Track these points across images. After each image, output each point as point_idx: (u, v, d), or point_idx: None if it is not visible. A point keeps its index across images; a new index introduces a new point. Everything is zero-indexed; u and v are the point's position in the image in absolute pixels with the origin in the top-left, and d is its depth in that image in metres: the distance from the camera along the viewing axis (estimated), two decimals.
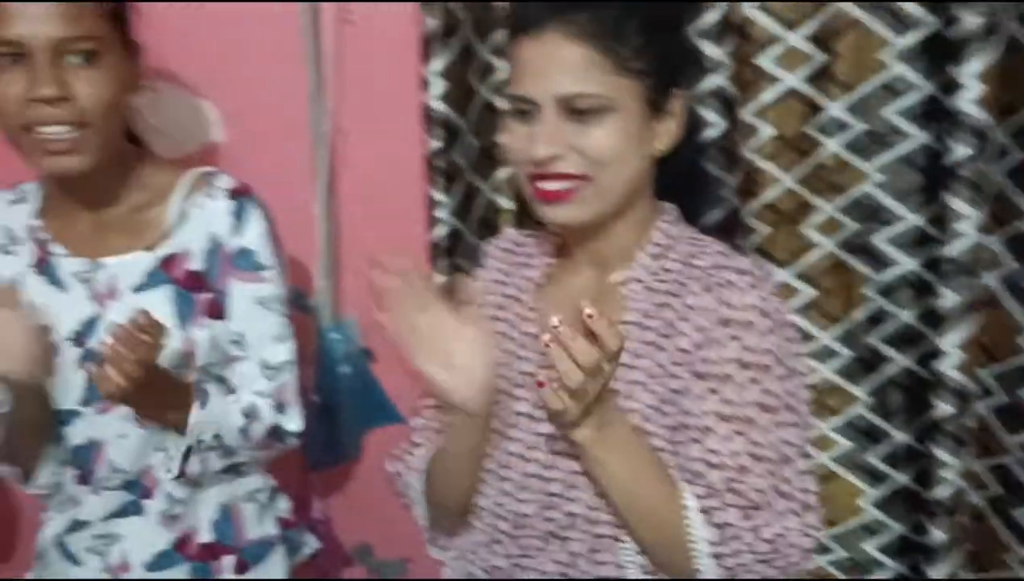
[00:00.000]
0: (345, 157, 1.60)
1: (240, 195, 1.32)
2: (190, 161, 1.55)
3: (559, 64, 1.04)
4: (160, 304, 1.28)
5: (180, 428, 1.26)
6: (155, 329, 1.15)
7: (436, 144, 1.46)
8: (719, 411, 1.03)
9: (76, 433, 1.32)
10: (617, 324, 1.09)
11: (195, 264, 1.31)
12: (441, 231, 1.50)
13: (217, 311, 1.32)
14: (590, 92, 1.04)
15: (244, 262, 1.31)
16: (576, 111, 1.04)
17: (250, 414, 1.32)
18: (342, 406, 1.71)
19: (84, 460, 1.33)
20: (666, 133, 1.10)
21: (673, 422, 1.06)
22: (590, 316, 0.93)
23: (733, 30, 1.41)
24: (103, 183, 1.28)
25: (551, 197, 1.07)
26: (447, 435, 1.14)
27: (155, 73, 1.35)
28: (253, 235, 1.32)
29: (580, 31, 1.03)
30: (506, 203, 1.54)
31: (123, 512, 1.35)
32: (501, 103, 1.47)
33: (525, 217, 1.44)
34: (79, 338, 1.29)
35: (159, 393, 1.21)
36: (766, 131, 1.45)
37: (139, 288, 1.30)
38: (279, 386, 1.35)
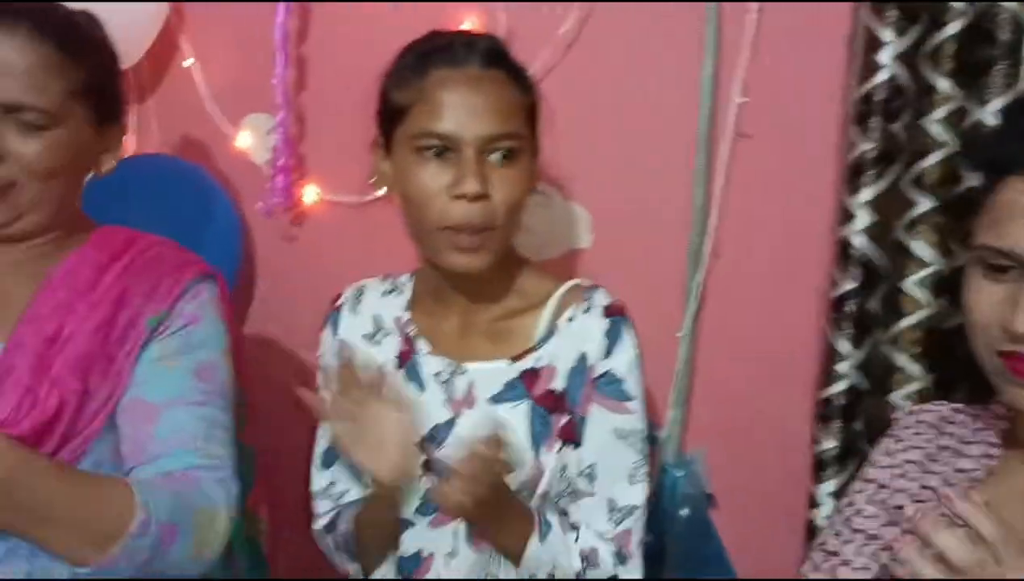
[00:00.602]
0: (720, 280, 1.45)
1: (616, 315, 1.20)
2: (554, 265, 1.47)
3: None
4: (515, 419, 1.19)
5: (513, 555, 1.16)
6: (510, 449, 1.09)
7: (851, 285, 1.25)
8: None
9: (405, 542, 1.24)
10: None
11: (558, 383, 1.20)
12: (840, 387, 1.28)
13: (572, 436, 1.20)
14: None
15: (610, 388, 1.19)
16: None
17: (589, 559, 1.18)
18: (673, 550, 1.54)
19: (408, 571, 1.25)
20: None
21: None
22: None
23: None
24: (483, 283, 1.21)
25: None
26: None
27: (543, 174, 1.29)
28: (623, 360, 1.19)
29: None
30: (905, 363, 1.29)
31: None
32: (915, 245, 1.25)
33: (938, 387, 1.21)
34: (428, 442, 1.22)
35: (502, 515, 1.13)
36: None
37: (496, 398, 1.21)
38: (623, 531, 1.20)
